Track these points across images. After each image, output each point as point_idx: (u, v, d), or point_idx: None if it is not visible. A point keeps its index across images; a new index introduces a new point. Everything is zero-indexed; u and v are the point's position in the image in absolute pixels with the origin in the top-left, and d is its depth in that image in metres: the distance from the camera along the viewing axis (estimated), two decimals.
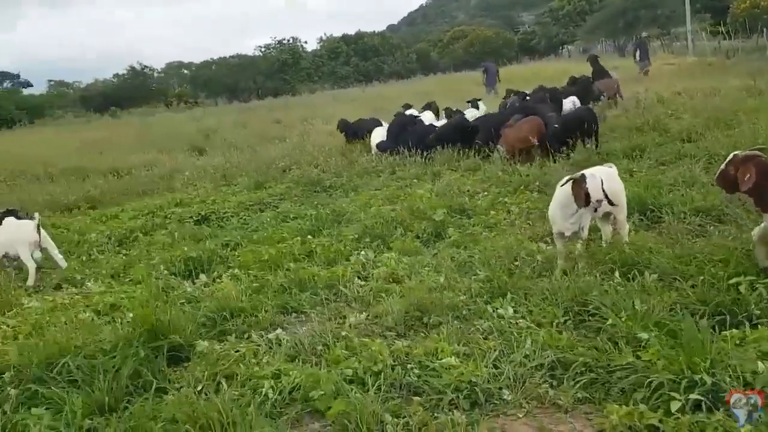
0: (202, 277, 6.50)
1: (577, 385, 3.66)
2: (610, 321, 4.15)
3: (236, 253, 7.13)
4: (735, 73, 22.53)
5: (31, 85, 68.24)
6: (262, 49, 63.57)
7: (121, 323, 5.07)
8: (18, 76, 69.77)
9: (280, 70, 60.04)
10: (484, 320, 4.63)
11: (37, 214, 7.49)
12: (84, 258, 8.06)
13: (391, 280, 5.82)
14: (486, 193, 8.77)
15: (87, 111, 54.34)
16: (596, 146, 10.79)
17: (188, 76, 64.00)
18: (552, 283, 4.99)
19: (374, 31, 69.97)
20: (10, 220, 7.46)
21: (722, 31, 37.04)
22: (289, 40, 63.49)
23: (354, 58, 63.15)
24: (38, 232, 7.26)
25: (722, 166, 4.83)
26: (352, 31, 67.68)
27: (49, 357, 4.43)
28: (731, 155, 4.77)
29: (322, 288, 5.73)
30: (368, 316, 5.06)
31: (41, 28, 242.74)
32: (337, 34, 68.52)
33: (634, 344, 3.87)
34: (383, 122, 14.07)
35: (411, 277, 5.78)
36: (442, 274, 5.65)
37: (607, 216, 5.78)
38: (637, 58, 25.94)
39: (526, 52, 64.03)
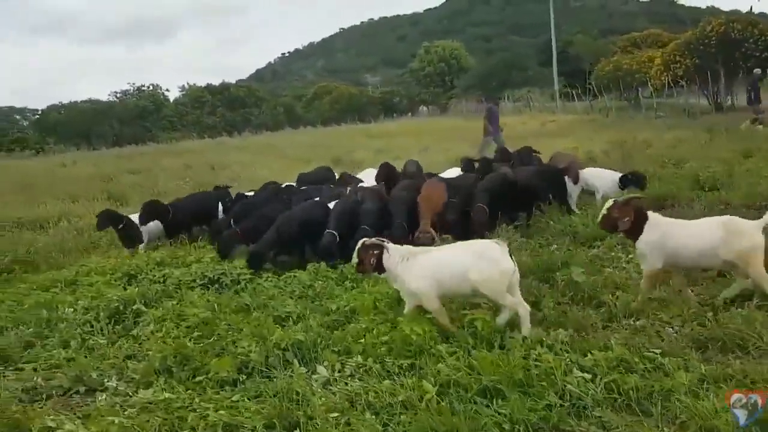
0: (321, 370, 4.47)
1: None
2: None
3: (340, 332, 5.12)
4: (634, 127, 23.67)
5: None
6: (118, 95, 58.97)
7: None
8: None
9: (140, 117, 55.71)
10: None
11: None
12: (76, 345, 5.57)
13: None
14: None
15: None
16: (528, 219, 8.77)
17: (31, 120, 57.25)
18: None
19: (239, 80, 67.80)
20: None
21: (593, 91, 39.78)
22: (149, 87, 59.48)
23: (220, 108, 60.30)
24: None
25: (604, 212, 5.57)
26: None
27: None
28: (611, 201, 5.59)
29: None
30: None
31: None
32: (201, 83, 65.59)
33: None
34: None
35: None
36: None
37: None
38: (753, 99, 20.91)
39: (387, 110, 65.20)
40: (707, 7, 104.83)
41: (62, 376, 4.88)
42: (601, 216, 5.62)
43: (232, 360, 4.53)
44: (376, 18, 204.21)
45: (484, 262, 4.93)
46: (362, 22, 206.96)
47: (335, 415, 3.83)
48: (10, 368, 5.24)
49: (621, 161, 12.64)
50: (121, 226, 9.11)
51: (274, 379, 4.26)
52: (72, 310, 6.29)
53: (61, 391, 4.72)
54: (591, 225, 8.07)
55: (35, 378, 4.92)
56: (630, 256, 6.88)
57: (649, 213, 5.51)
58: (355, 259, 5.31)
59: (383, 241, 5.31)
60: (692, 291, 5.81)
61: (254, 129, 54.03)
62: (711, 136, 16.03)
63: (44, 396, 4.66)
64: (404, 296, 5.26)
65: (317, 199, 9.03)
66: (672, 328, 4.93)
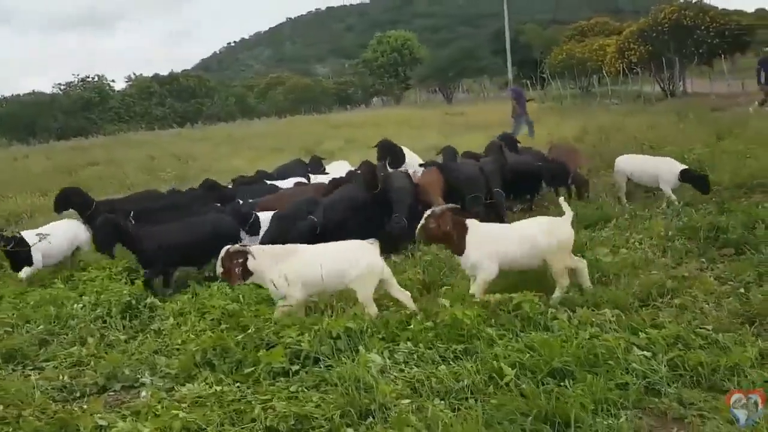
0: (375, 357, 4.32)
1: None
2: None
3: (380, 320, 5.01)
4: (593, 113, 24.02)
5: None
6: (63, 87, 56.57)
7: None
8: None
9: (85, 108, 53.70)
10: None
11: None
12: (94, 342, 5.29)
13: None
14: None
15: None
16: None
17: None
18: None
19: (185, 71, 66.01)
20: None
21: (547, 80, 40.35)
22: (93, 78, 57.32)
23: (169, 99, 58.68)
24: None
25: (422, 222, 5.41)
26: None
27: None
28: (429, 211, 5.45)
29: None
30: None
31: None
32: (147, 73, 63.65)
33: None
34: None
35: None
36: None
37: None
38: (762, 80, 19.17)
39: (342, 101, 64.83)
40: None
41: (93, 373, 4.65)
42: (419, 228, 5.48)
43: (283, 350, 4.36)
44: (323, 8, 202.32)
45: (359, 261, 5.17)
46: (309, 12, 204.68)
47: (406, 401, 3.74)
48: (29, 367, 4.97)
49: (599, 146, 12.83)
50: (9, 246, 7.27)
51: (335, 368, 4.12)
52: (81, 306, 5.99)
53: (95, 389, 4.47)
54: (593, 208, 8.22)
55: (60, 376, 4.66)
56: (640, 236, 6.98)
57: (469, 222, 5.48)
58: (219, 269, 5.31)
59: (246, 246, 5.40)
60: (711, 270, 5.95)
61: (206, 119, 52.91)
62: (679, 119, 16.41)
63: (78, 394, 4.40)
64: (273, 294, 5.34)
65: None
66: (708, 305, 5.00)
